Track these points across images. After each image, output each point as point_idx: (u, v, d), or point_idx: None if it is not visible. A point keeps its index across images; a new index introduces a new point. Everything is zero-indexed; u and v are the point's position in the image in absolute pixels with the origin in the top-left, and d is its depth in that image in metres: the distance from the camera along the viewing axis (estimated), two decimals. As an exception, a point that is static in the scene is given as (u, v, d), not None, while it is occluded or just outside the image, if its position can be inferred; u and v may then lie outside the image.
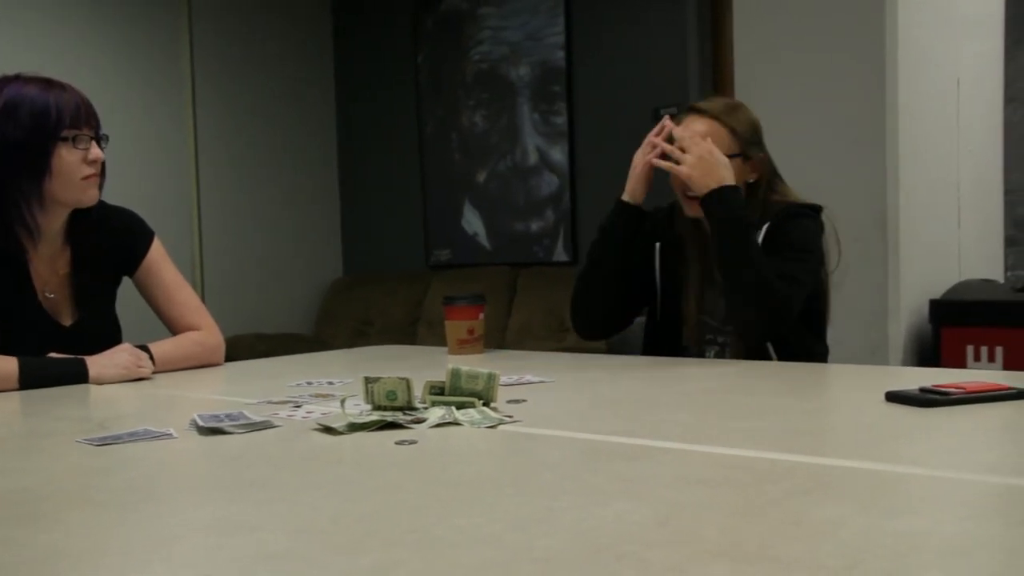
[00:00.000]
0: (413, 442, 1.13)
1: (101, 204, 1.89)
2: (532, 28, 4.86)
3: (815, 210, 1.97)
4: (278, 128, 5.41)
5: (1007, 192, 3.83)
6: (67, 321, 1.87)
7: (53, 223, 1.83)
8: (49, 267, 1.86)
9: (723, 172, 1.87)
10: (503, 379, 1.53)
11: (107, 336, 1.88)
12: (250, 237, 5.28)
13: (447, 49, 5.20)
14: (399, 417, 1.23)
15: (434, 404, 1.28)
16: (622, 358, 1.98)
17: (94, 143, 1.80)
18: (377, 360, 2.16)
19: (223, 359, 2.01)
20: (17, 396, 1.65)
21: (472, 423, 1.22)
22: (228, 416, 1.26)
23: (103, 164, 1.83)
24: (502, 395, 1.38)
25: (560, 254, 4.84)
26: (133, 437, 1.20)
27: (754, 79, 3.24)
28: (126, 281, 2.00)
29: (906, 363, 3.06)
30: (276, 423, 1.27)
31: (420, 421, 1.22)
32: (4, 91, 1.75)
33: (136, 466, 1.08)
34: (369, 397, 1.28)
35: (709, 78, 4.31)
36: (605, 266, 2.02)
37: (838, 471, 0.95)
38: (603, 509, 0.82)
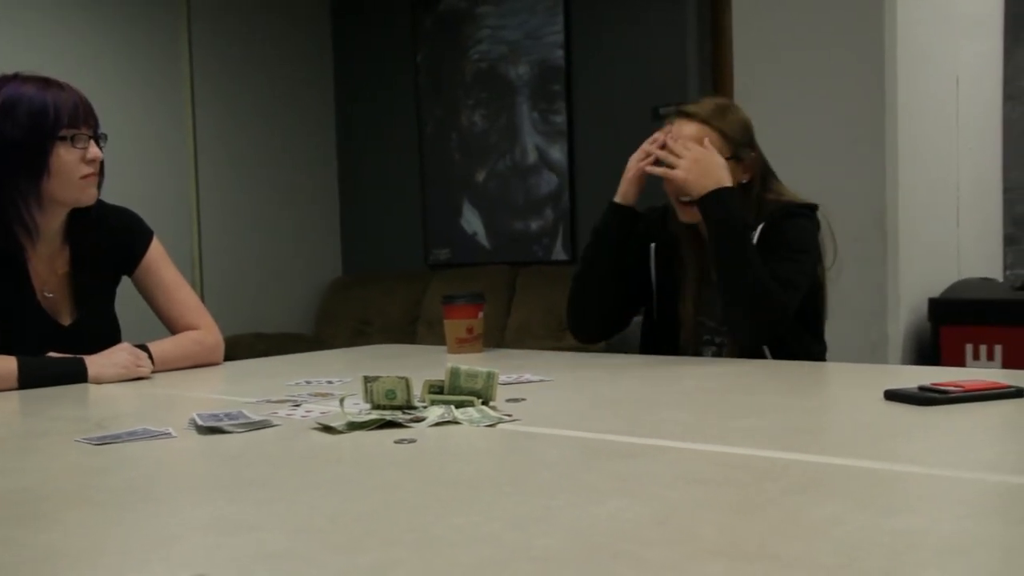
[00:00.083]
0: (412, 441, 1.13)
1: (100, 203, 1.89)
2: (531, 27, 4.86)
3: (810, 209, 1.97)
4: (277, 128, 5.41)
5: (1006, 190, 3.83)
6: (66, 320, 1.86)
7: (52, 222, 1.83)
8: (48, 266, 1.86)
9: (720, 173, 1.87)
10: (502, 378, 1.53)
11: (106, 335, 1.88)
12: (249, 237, 5.28)
13: (446, 48, 5.20)
14: (398, 416, 1.23)
15: (433, 403, 1.28)
16: (621, 357, 1.98)
17: (92, 142, 1.80)
18: (376, 359, 2.16)
19: (222, 358, 2.01)
20: (16, 396, 1.65)
21: (471, 422, 1.22)
22: (227, 415, 1.26)
23: (102, 163, 1.83)
24: (501, 394, 1.38)
25: (559, 253, 4.84)
26: (132, 436, 1.19)
27: (753, 78, 3.24)
28: (125, 280, 2.00)
29: (905, 361, 3.06)
30: (275, 422, 1.27)
31: (419, 420, 1.22)
32: (2, 90, 1.75)
33: (135, 465, 1.08)
34: (368, 396, 1.28)
35: (708, 77, 4.31)
36: (600, 268, 2.02)
37: (836, 469, 0.95)
38: (601, 508, 0.82)
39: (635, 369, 1.83)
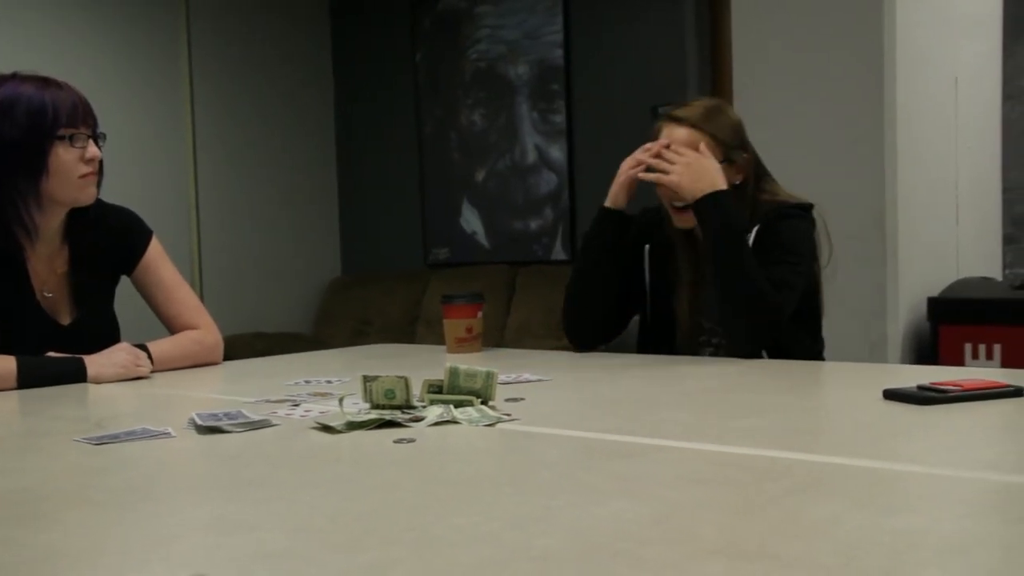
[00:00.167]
0: (411, 441, 1.13)
1: (99, 203, 1.89)
2: (530, 27, 4.86)
3: (805, 208, 1.96)
4: (276, 128, 5.41)
5: (1005, 190, 3.84)
6: (65, 320, 1.86)
7: (51, 222, 1.83)
8: (47, 266, 1.86)
9: (714, 177, 1.86)
10: (501, 377, 1.53)
11: (105, 335, 1.88)
12: (249, 236, 5.28)
13: (445, 48, 5.19)
14: (397, 416, 1.23)
15: (432, 403, 1.28)
16: (621, 357, 1.98)
17: (91, 142, 1.80)
18: (375, 359, 2.16)
19: (221, 358, 2.01)
20: (15, 395, 1.65)
21: (470, 422, 1.22)
22: (226, 415, 1.26)
23: (101, 163, 1.83)
24: (500, 393, 1.38)
25: (559, 252, 4.84)
26: (131, 436, 1.19)
27: (752, 78, 3.24)
28: (124, 280, 2.00)
29: (904, 361, 3.06)
30: (274, 422, 1.27)
31: (418, 420, 1.22)
32: (1, 89, 1.75)
33: (134, 465, 1.08)
34: (367, 396, 1.28)
35: (707, 77, 4.31)
36: (593, 274, 2.02)
37: (836, 469, 0.95)
38: (601, 508, 0.82)
39: (635, 369, 1.83)
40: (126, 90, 4.78)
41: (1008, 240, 4.15)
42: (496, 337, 4.49)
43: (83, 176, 1.79)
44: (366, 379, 1.28)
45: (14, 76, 1.78)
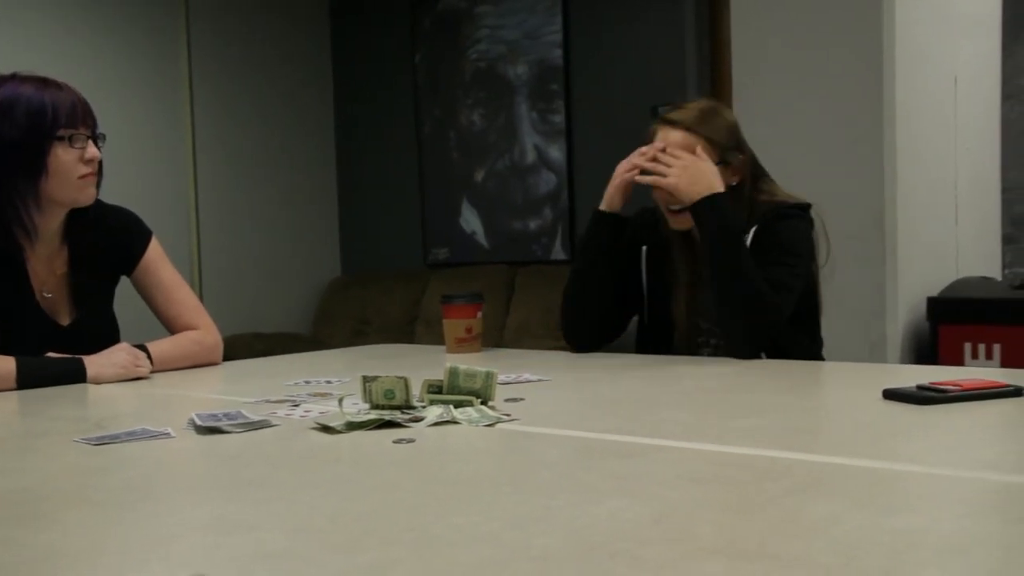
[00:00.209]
0: (411, 441, 1.13)
1: (99, 203, 1.89)
2: (530, 27, 4.86)
3: (803, 208, 1.96)
4: (276, 128, 5.41)
5: (1004, 190, 3.84)
6: (65, 320, 1.86)
7: (50, 223, 1.83)
8: (47, 267, 1.86)
9: (711, 179, 1.86)
10: (501, 377, 1.53)
11: (105, 335, 1.88)
12: (248, 236, 5.28)
13: (445, 48, 5.19)
14: (397, 416, 1.23)
15: (432, 403, 1.28)
16: (620, 357, 1.98)
17: (91, 142, 1.80)
18: (375, 359, 2.16)
19: (221, 358, 2.01)
20: (15, 396, 1.65)
21: (470, 422, 1.22)
22: (226, 415, 1.26)
23: (100, 163, 1.83)
24: (500, 394, 1.38)
25: (558, 252, 4.84)
26: (131, 436, 1.19)
27: (751, 77, 3.24)
28: (124, 280, 2.00)
29: (904, 361, 3.06)
30: (274, 422, 1.27)
31: (418, 420, 1.22)
32: (0, 90, 1.75)
33: (134, 465, 1.08)
34: (367, 396, 1.28)
35: (707, 76, 4.31)
36: (590, 276, 2.02)
37: (835, 469, 0.95)
38: (600, 507, 0.82)
39: (634, 369, 1.83)
40: (126, 90, 4.78)
41: (1007, 240, 4.15)
42: (495, 337, 4.49)
43: (82, 177, 1.79)
44: (366, 379, 1.28)
45: (13, 76, 1.78)
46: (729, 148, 1.94)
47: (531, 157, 4.92)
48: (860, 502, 0.82)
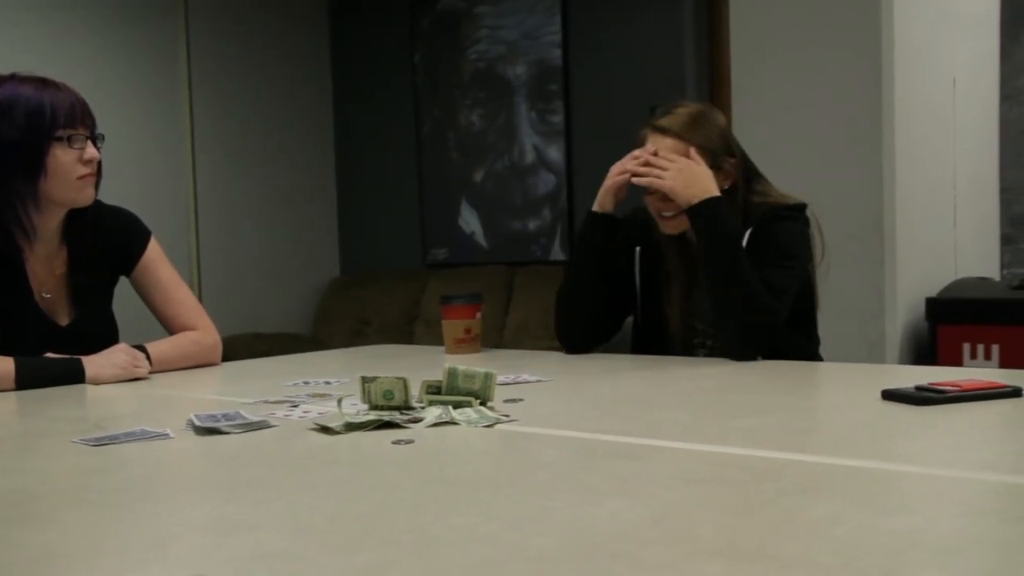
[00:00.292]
0: (410, 442, 1.13)
1: (98, 203, 1.89)
2: (529, 27, 4.86)
3: (799, 209, 1.95)
4: (275, 128, 5.41)
5: (1003, 190, 3.84)
6: (64, 321, 1.86)
7: (49, 223, 1.83)
8: (45, 267, 1.86)
9: (707, 183, 1.86)
10: (500, 378, 1.53)
11: (104, 336, 1.88)
12: (247, 237, 5.28)
13: (444, 48, 5.20)
14: (396, 417, 1.23)
15: (431, 403, 1.28)
16: (619, 357, 1.98)
17: (89, 143, 1.80)
18: (374, 359, 2.16)
19: (220, 359, 2.01)
20: (14, 396, 1.65)
21: (469, 422, 1.22)
22: (225, 416, 1.26)
23: (99, 163, 1.83)
24: (499, 394, 1.38)
25: (557, 253, 4.84)
26: (129, 437, 1.19)
27: (750, 77, 3.24)
28: (123, 281, 2.00)
29: (902, 361, 3.07)
30: (273, 423, 1.27)
31: (417, 421, 1.22)
32: (-1, 90, 1.75)
33: (132, 466, 1.08)
34: (366, 397, 1.28)
35: (706, 77, 4.31)
36: (583, 278, 2.01)
37: (834, 469, 0.95)
38: (599, 508, 0.82)
39: (633, 369, 1.83)
40: (125, 91, 4.78)
41: (1006, 240, 4.15)
42: (494, 338, 4.49)
43: (81, 177, 1.79)
44: (365, 380, 1.28)
45: (13, 77, 1.78)
46: (720, 153, 1.93)
47: (530, 157, 4.92)
48: (859, 503, 0.83)
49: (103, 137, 1.84)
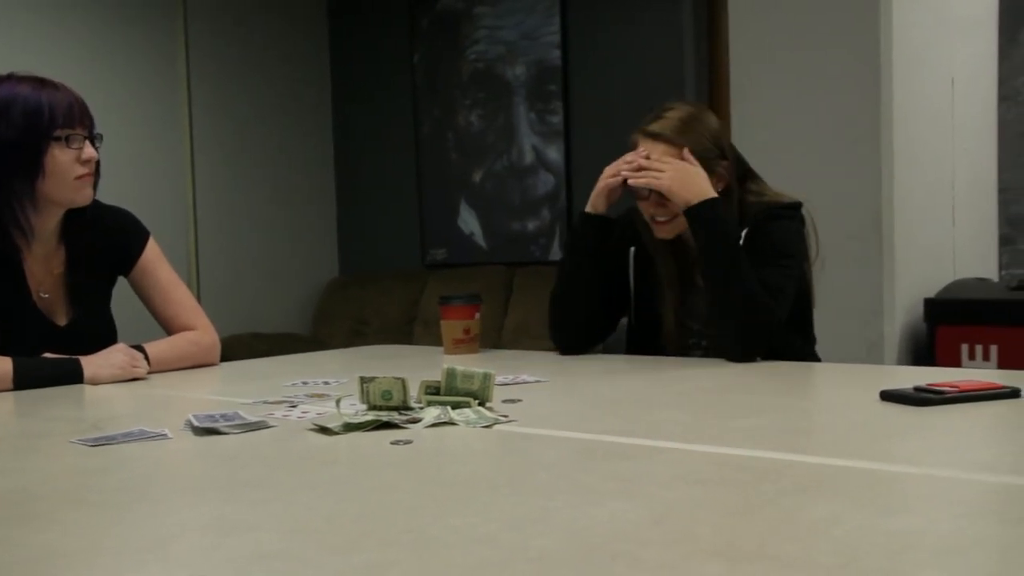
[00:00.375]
0: (408, 442, 1.13)
1: (96, 203, 1.88)
2: (528, 27, 4.86)
3: (794, 208, 1.95)
4: (274, 128, 5.41)
5: (1001, 191, 3.84)
6: (62, 321, 1.86)
7: (47, 223, 1.83)
8: (44, 267, 1.86)
9: (703, 185, 1.85)
10: (499, 379, 1.53)
11: (102, 336, 1.88)
12: (246, 237, 5.27)
13: (443, 49, 5.19)
14: (395, 417, 1.23)
15: (430, 404, 1.28)
16: (617, 358, 1.98)
17: (88, 143, 1.80)
18: (373, 360, 2.16)
19: (219, 359, 2.01)
20: (12, 396, 1.64)
21: (468, 423, 1.22)
22: (223, 416, 1.26)
23: (98, 163, 1.83)
24: (498, 395, 1.38)
25: (556, 253, 4.84)
26: (128, 437, 1.19)
27: (749, 78, 3.25)
28: (121, 281, 1.99)
29: (901, 362, 3.07)
30: (271, 423, 1.27)
31: (415, 421, 1.22)
32: (-2, 90, 1.75)
33: (131, 466, 1.08)
34: (365, 397, 1.28)
35: (705, 77, 4.31)
36: (576, 279, 2.01)
37: (833, 470, 0.95)
38: (598, 508, 0.82)
39: (631, 370, 1.83)
40: (123, 91, 4.77)
41: (1004, 241, 4.15)
42: (493, 338, 4.49)
43: (79, 177, 1.79)
44: (363, 380, 1.28)
45: (11, 77, 1.77)
46: (713, 156, 1.93)
47: (529, 158, 4.92)
48: (858, 503, 0.83)
49: (101, 137, 1.84)
